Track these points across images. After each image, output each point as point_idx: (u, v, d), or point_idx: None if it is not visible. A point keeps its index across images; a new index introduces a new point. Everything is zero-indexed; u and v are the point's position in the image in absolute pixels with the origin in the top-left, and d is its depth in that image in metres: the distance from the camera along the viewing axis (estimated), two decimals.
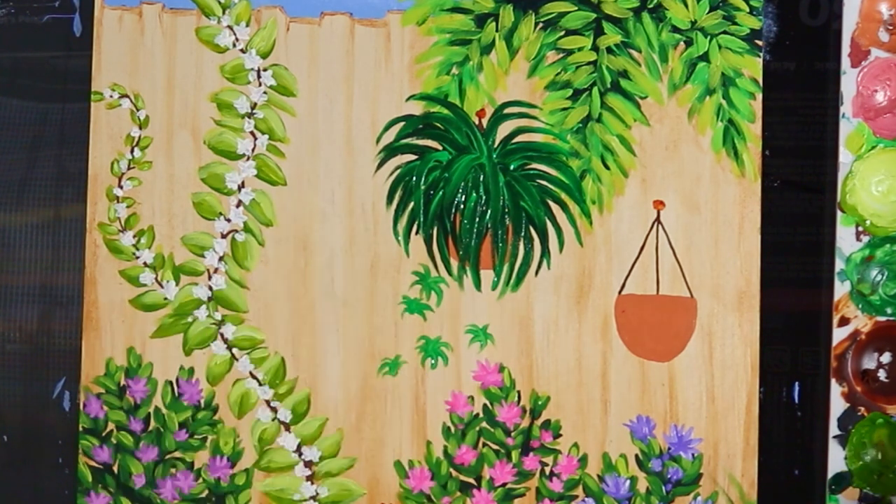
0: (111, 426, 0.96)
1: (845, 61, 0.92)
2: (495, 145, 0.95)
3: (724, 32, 0.93)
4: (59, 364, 0.98)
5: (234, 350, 0.96)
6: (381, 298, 0.95)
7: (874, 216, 0.92)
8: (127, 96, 0.96)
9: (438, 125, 0.95)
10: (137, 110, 0.96)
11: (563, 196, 0.94)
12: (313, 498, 0.95)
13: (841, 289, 0.92)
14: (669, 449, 0.94)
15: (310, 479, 0.96)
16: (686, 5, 0.94)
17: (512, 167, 0.95)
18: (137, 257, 0.96)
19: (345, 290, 0.95)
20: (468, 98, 0.95)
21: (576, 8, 0.94)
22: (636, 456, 0.94)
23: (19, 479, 0.98)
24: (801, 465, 0.94)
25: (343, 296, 0.95)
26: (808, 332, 0.94)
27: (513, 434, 0.94)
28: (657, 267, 0.94)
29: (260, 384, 0.96)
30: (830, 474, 0.92)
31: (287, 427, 0.96)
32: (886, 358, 0.93)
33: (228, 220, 0.96)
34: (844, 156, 0.93)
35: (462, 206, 0.95)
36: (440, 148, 0.95)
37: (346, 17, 0.96)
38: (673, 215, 0.94)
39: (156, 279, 0.96)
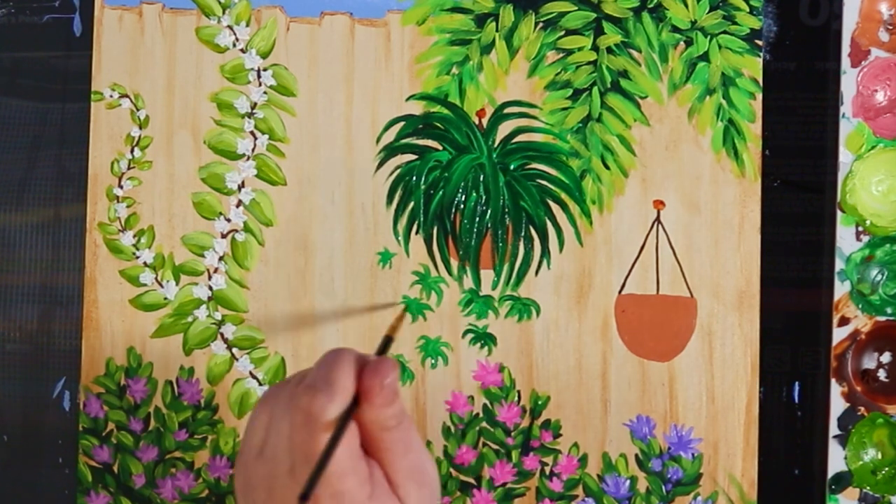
0: (111, 426, 0.96)
1: (845, 61, 0.92)
2: (495, 145, 0.95)
3: (724, 32, 0.93)
4: (59, 364, 0.98)
5: (234, 350, 0.96)
6: (381, 298, 0.95)
7: (874, 216, 0.92)
8: (127, 96, 0.96)
9: (438, 125, 0.95)
10: (137, 110, 0.96)
11: (563, 196, 0.94)
12: None
13: (841, 289, 0.92)
14: (669, 449, 0.94)
15: None
16: (686, 5, 0.94)
17: (512, 167, 0.95)
18: (137, 257, 0.96)
19: (345, 290, 0.95)
20: (468, 98, 0.95)
21: (576, 8, 0.94)
22: (636, 456, 0.94)
23: (19, 479, 0.98)
24: (801, 465, 0.94)
25: (343, 296, 0.95)
26: (808, 332, 0.94)
27: (513, 434, 0.94)
28: (657, 267, 0.94)
29: (260, 384, 0.96)
30: (830, 474, 0.92)
31: None
32: (886, 358, 0.93)
33: (228, 220, 0.96)
34: (844, 156, 0.93)
35: (462, 206, 0.95)
36: (440, 148, 0.95)
37: (346, 16, 0.96)
38: (673, 215, 0.94)
39: (156, 279, 0.96)
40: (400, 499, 0.72)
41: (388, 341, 0.80)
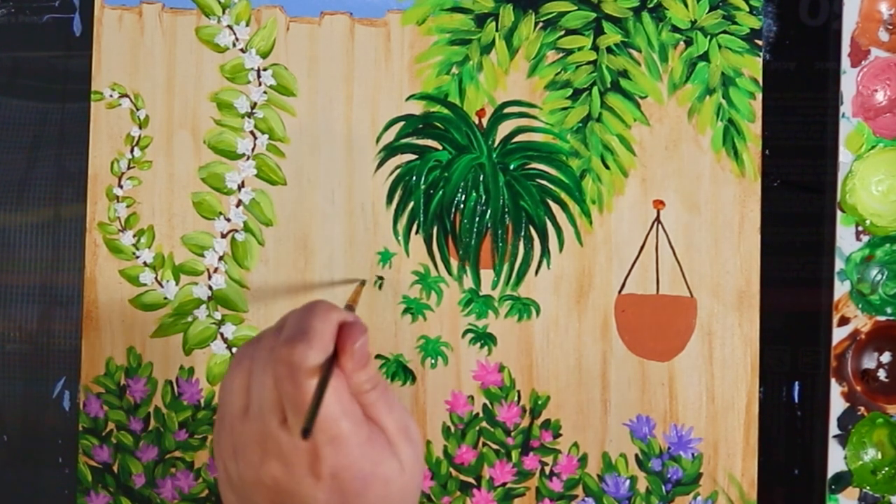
0: (111, 426, 0.96)
1: (845, 61, 0.92)
2: (495, 145, 0.95)
3: (724, 32, 0.93)
4: (59, 364, 0.98)
5: (234, 350, 0.96)
6: (382, 298, 0.95)
7: (874, 216, 0.92)
8: (127, 96, 0.96)
9: (438, 125, 0.95)
10: (137, 110, 0.96)
11: (563, 196, 0.94)
12: None
13: (841, 288, 0.92)
14: (669, 448, 0.94)
15: None
16: (686, 5, 0.94)
17: (512, 167, 0.95)
18: (137, 257, 0.96)
19: (345, 289, 0.95)
20: (468, 98, 0.95)
21: (576, 7, 0.94)
22: (636, 455, 0.94)
23: (19, 478, 0.98)
24: (801, 464, 0.94)
25: (343, 295, 0.95)
26: (808, 332, 0.94)
27: (513, 434, 0.94)
28: (657, 267, 0.94)
29: None
30: (830, 474, 0.92)
31: None
32: (886, 357, 0.93)
33: (228, 220, 0.96)
34: (844, 155, 0.93)
35: (462, 206, 0.95)
36: (440, 147, 0.95)
37: (345, 16, 0.96)
38: (673, 215, 0.94)
39: (156, 279, 0.96)
40: (394, 453, 0.72)
41: (349, 310, 0.80)
